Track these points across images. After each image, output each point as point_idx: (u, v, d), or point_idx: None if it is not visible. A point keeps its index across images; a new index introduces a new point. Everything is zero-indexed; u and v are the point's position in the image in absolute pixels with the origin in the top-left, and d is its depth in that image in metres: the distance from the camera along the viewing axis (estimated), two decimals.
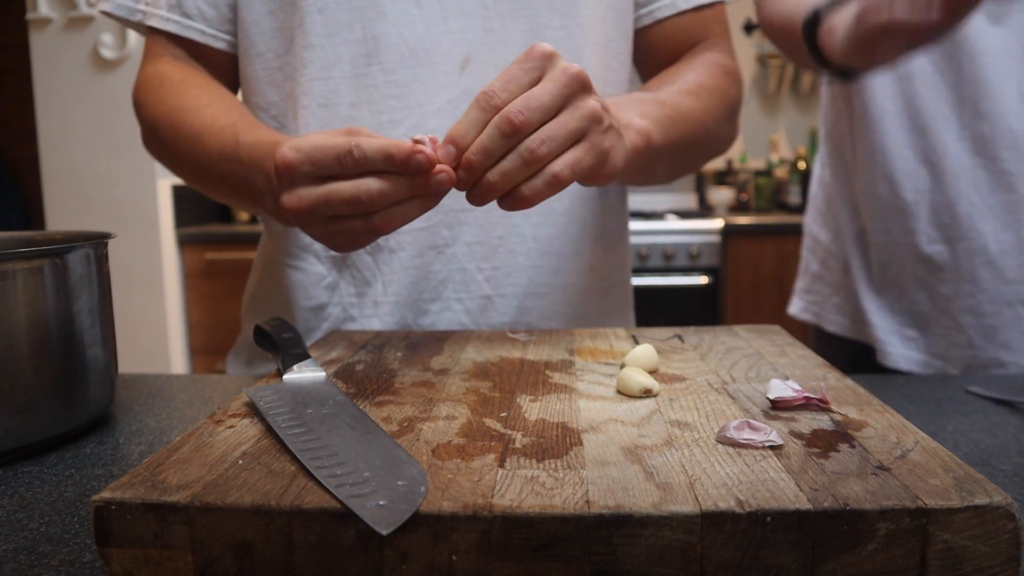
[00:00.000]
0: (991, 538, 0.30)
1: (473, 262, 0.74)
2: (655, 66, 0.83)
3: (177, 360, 2.81)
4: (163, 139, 0.74)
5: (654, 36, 0.81)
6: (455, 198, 0.68)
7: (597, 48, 0.76)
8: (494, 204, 0.61)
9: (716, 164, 3.46)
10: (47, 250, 0.50)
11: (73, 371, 0.51)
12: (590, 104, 0.53)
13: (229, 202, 0.73)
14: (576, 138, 0.53)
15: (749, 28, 3.30)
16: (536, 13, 0.73)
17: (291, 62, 0.74)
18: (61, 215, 2.72)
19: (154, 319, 2.74)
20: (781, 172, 3.36)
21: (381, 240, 0.73)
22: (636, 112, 0.65)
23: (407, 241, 0.74)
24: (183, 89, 0.74)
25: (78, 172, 2.69)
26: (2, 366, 0.47)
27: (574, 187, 0.76)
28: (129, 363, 2.53)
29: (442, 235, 0.74)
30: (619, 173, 0.57)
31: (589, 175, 0.54)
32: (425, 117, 0.72)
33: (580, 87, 0.52)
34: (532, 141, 0.50)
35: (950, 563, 0.30)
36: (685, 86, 0.74)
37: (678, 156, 0.73)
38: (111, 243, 0.57)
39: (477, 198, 0.52)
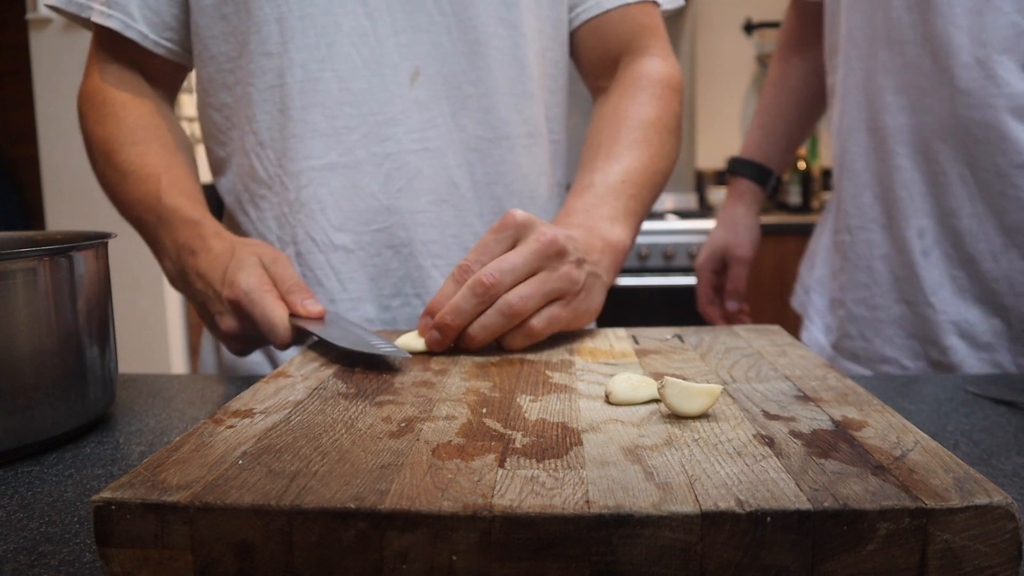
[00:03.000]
0: (991, 538, 0.30)
1: (429, 259, 0.77)
2: (591, 67, 0.85)
3: (177, 360, 2.81)
4: (95, 162, 0.78)
5: (585, 37, 0.83)
6: (411, 198, 0.77)
7: (536, 58, 0.79)
8: (450, 205, 0.77)
9: (716, 164, 3.46)
10: (47, 250, 0.50)
11: (73, 371, 0.51)
12: (565, 269, 0.57)
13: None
14: (553, 298, 0.57)
15: (749, 28, 3.30)
16: (483, 25, 0.75)
17: (244, 66, 0.75)
18: (61, 215, 2.72)
19: (154, 319, 2.74)
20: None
21: (335, 239, 0.76)
22: (608, 218, 0.69)
23: (366, 241, 0.76)
24: (122, 115, 0.77)
25: (78, 172, 2.68)
26: (2, 366, 0.47)
27: (541, 189, 0.81)
28: (129, 363, 2.53)
29: (399, 236, 0.76)
30: (597, 315, 0.63)
31: (566, 328, 0.59)
32: (378, 126, 0.75)
33: (555, 253, 0.57)
34: (511, 296, 0.55)
35: (950, 563, 0.30)
36: (635, 133, 0.76)
37: (643, 220, 0.78)
38: (111, 243, 0.57)
39: (460, 349, 0.57)
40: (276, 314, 0.60)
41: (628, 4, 0.81)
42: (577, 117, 0.86)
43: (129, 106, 0.77)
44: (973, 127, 0.77)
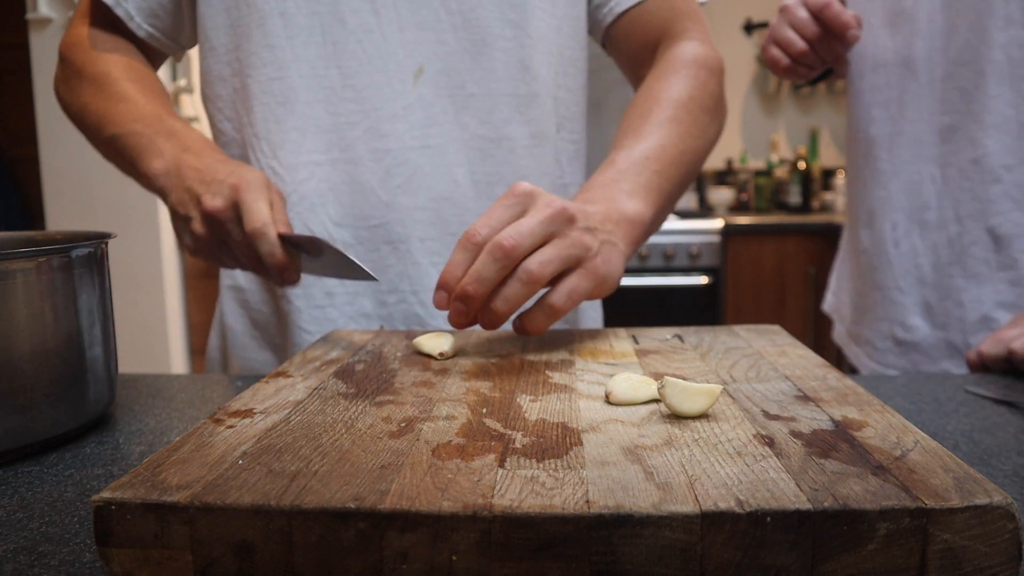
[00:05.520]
0: (991, 538, 0.30)
1: (427, 257, 0.77)
2: (632, 58, 0.85)
3: (177, 360, 2.81)
4: (80, 93, 0.80)
5: (621, 29, 0.83)
6: (410, 195, 0.77)
7: (550, 57, 0.79)
8: (450, 203, 0.76)
9: (716, 164, 3.46)
10: (47, 250, 0.50)
11: (73, 371, 0.51)
12: (576, 235, 0.55)
13: (116, 158, 0.79)
14: (570, 265, 0.55)
15: (749, 28, 3.30)
16: (488, 24, 0.76)
17: (242, 58, 0.77)
18: (61, 215, 2.72)
19: (154, 319, 2.74)
20: (781, 172, 3.36)
21: (334, 233, 0.77)
22: (627, 192, 0.66)
23: (364, 236, 0.77)
24: (117, 59, 0.80)
25: (78, 172, 2.69)
26: (2, 366, 0.47)
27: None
28: (129, 363, 2.52)
29: (397, 232, 0.77)
30: (619, 283, 0.60)
31: (589, 298, 0.57)
32: (380, 121, 0.75)
33: (564, 220, 0.55)
34: (530, 263, 0.53)
35: (950, 563, 0.30)
36: (666, 112, 0.75)
37: (674, 198, 0.76)
38: (111, 243, 0.57)
39: (486, 328, 0.55)
40: (267, 214, 0.61)
41: None
42: (598, 116, 0.86)
43: (121, 51, 0.81)
44: (944, 131, 0.89)
